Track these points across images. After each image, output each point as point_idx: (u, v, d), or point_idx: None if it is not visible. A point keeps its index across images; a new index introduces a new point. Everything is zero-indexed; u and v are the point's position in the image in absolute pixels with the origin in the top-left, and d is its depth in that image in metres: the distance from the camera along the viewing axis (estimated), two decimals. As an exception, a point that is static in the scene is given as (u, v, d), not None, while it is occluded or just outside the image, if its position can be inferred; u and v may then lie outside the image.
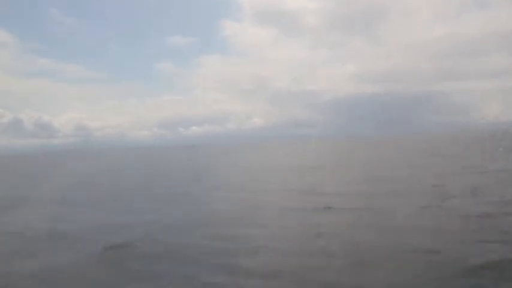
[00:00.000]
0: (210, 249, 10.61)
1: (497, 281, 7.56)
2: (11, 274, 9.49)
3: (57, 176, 42.29)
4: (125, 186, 28.98)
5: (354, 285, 7.81)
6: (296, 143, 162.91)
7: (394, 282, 7.83)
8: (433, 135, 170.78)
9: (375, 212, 14.64)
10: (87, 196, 23.59)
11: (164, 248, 10.82)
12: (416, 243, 10.14)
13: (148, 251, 10.75)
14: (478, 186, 18.45)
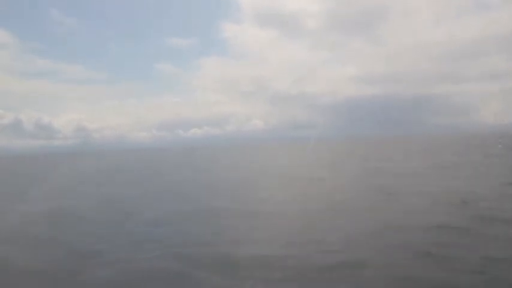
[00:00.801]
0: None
1: None
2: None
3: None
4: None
5: None
6: (299, 145, 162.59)
7: None
8: (436, 136, 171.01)
9: None
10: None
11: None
12: None
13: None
14: None
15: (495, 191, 18.01)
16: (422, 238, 11.05)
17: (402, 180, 23.93)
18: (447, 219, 12.87)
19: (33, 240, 13.47)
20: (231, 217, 15.45)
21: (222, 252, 10.64)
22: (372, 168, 33.71)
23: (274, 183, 26.82)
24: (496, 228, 11.63)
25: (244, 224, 13.98)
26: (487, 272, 8.28)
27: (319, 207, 16.52)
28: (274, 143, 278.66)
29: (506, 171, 25.73)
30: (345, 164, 42.04)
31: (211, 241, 11.91)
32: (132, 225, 14.72)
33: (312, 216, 14.85)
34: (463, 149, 57.97)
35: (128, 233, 13.53)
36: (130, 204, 20.12)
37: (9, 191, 31.21)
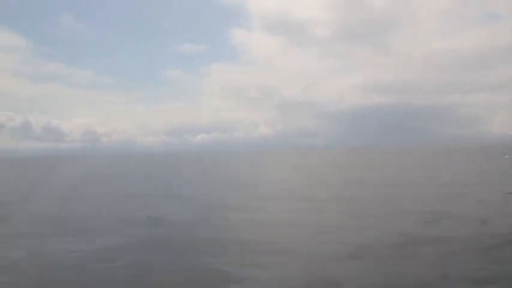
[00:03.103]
0: None
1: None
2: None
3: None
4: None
5: None
6: (304, 153, 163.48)
7: None
8: (443, 146, 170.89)
9: None
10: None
11: None
12: None
13: None
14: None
15: None
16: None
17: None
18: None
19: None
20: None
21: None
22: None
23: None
24: None
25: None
26: None
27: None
28: (281, 150, 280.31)
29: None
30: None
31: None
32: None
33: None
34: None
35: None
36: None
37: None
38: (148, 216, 16.71)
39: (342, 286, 8.41)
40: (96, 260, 10.66)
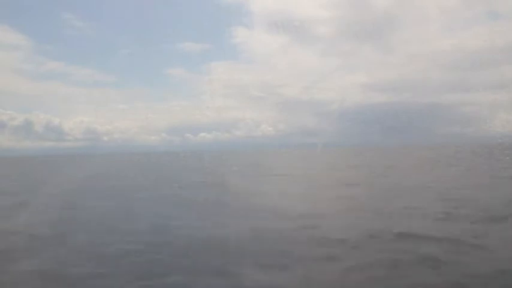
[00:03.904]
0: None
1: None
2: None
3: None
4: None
5: None
6: (307, 152, 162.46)
7: None
8: (445, 146, 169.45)
9: None
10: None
11: None
12: None
13: None
14: None
15: None
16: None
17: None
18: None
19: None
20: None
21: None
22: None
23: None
24: None
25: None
26: None
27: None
28: (282, 149, 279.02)
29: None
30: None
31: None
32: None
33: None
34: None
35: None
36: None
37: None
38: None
39: None
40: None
